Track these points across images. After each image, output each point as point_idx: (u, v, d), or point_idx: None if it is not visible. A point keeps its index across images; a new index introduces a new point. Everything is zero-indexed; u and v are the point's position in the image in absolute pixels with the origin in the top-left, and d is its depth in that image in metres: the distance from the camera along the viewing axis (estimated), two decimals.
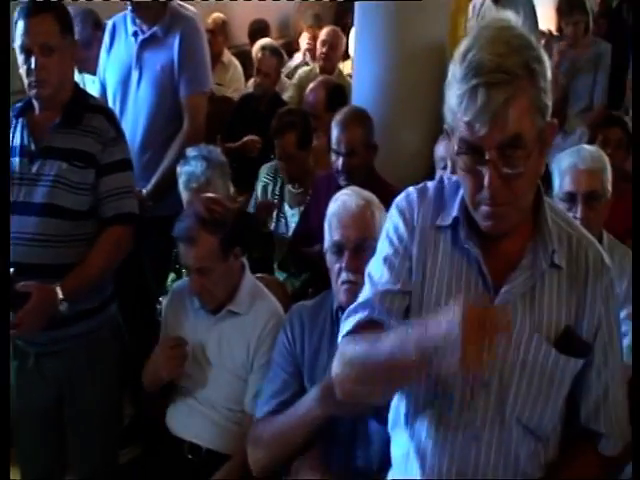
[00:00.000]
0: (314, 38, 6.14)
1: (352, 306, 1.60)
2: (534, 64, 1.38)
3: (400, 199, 1.64)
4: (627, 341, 2.65)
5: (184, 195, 3.04)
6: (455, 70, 1.39)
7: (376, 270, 1.60)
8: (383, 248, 1.61)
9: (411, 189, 1.64)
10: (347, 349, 1.54)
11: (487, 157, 1.37)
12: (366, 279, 1.62)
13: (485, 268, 1.51)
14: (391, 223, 1.62)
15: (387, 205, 2.18)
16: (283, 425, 2.07)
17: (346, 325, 1.58)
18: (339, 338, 1.59)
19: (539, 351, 1.50)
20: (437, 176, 1.60)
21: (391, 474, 1.71)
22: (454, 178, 1.60)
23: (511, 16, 1.45)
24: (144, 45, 3.38)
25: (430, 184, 1.64)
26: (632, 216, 2.02)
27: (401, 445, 1.62)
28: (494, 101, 1.33)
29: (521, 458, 1.53)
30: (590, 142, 3.48)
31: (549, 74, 1.42)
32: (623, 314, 2.68)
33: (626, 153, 3.60)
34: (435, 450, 1.53)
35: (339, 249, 2.10)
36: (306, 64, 6.12)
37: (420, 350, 1.34)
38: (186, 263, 2.55)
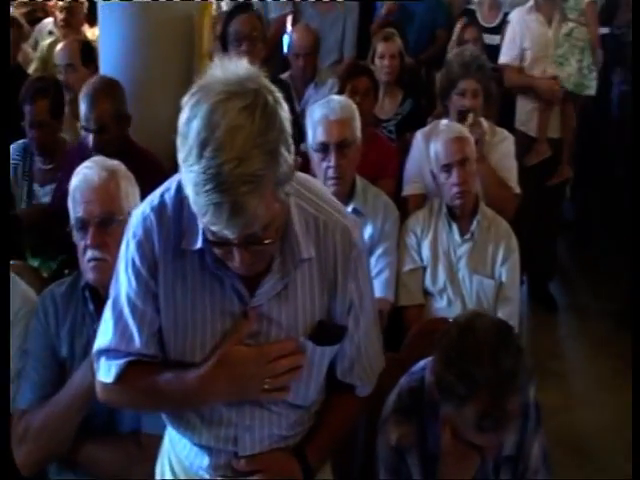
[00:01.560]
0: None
1: (103, 345, 1.55)
2: (275, 144, 1.28)
3: (136, 225, 1.50)
4: (384, 276, 2.85)
5: None
6: (192, 160, 1.25)
7: (120, 307, 1.53)
8: (124, 283, 1.52)
9: (147, 210, 1.49)
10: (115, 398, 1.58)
11: (235, 242, 1.32)
12: (110, 312, 1.55)
13: (240, 286, 1.48)
14: (129, 256, 1.50)
15: (146, 173, 2.14)
16: (55, 408, 1.96)
17: (104, 369, 1.55)
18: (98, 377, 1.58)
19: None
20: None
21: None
22: None
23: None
24: None
25: (168, 199, 1.49)
26: (632, 214, 2.08)
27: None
28: (241, 213, 1.25)
29: (283, 428, 1.60)
30: (340, 92, 3.60)
31: (287, 120, 1.31)
32: (380, 250, 2.88)
33: (374, 100, 3.77)
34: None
35: (83, 225, 1.99)
36: (50, 33, 5.78)
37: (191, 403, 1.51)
38: None
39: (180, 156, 1.28)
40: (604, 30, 5.29)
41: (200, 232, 1.42)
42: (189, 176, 1.26)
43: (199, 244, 1.44)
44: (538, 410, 1.96)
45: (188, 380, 1.48)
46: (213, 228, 1.29)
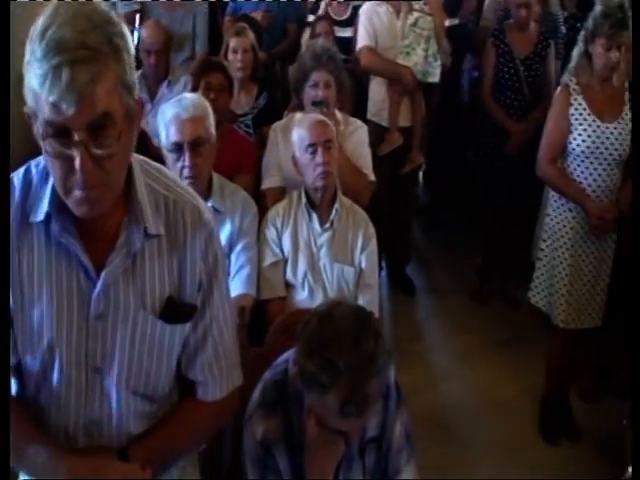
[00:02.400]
0: None
1: None
2: (117, 40, 1.33)
3: None
4: (245, 272, 2.87)
5: None
6: (35, 49, 1.28)
7: None
8: None
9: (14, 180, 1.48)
10: None
11: (76, 138, 1.30)
12: None
13: (85, 259, 1.46)
14: None
15: None
16: None
17: None
18: None
19: (146, 326, 1.51)
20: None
21: None
22: (42, 164, 1.48)
23: None
24: None
25: (15, 177, 1.49)
26: (632, 212, 2.10)
27: None
28: (80, 79, 1.26)
29: (131, 420, 1.57)
30: (194, 89, 3.57)
31: (132, 50, 1.38)
32: (239, 247, 2.90)
33: (229, 95, 3.75)
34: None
35: None
36: None
37: None
38: None
39: (26, 59, 1.31)
40: (454, 21, 5.55)
41: (47, 197, 1.43)
42: (32, 66, 1.29)
43: (45, 208, 1.43)
44: (399, 391, 2.03)
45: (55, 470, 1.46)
46: (51, 99, 1.27)
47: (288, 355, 1.96)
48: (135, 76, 1.40)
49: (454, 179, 5.85)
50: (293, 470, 1.89)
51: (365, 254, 3.00)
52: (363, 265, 2.99)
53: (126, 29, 1.38)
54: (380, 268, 4.48)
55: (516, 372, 4.10)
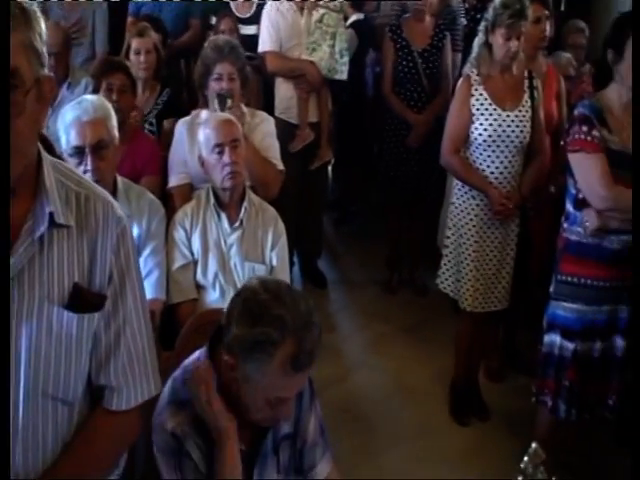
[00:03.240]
0: None
1: None
2: (30, 12, 1.36)
3: None
4: (155, 276, 2.86)
5: None
6: None
7: None
8: None
9: None
10: None
11: None
12: None
13: None
14: None
15: None
16: None
17: None
18: None
19: (52, 316, 1.47)
20: None
21: None
22: None
23: None
24: None
25: None
26: (632, 211, 2.11)
27: None
28: None
29: (49, 427, 1.51)
30: (95, 91, 3.51)
31: (44, 28, 1.39)
32: (147, 251, 2.88)
33: (132, 96, 3.70)
34: None
35: None
36: None
37: None
38: None
39: None
40: (360, 15, 5.63)
41: None
42: None
43: None
44: (312, 386, 2.07)
45: None
46: None
47: (199, 354, 1.96)
48: (45, 52, 1.41)
49: (362, 172, 5.95)
50: (207, 461, 1.88)
51: (275, 251, 3.03)
52: (274, 262, 3.01)
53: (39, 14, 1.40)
54: (291, 263, 4.53)
55: (426, 357, 4.22)
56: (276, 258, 3.02)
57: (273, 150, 3.51)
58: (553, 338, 3.08)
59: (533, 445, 1.51)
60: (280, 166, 3.48)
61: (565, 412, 3.08)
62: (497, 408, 3.82)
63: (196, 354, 1.99)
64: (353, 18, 5.58)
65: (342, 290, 5.07)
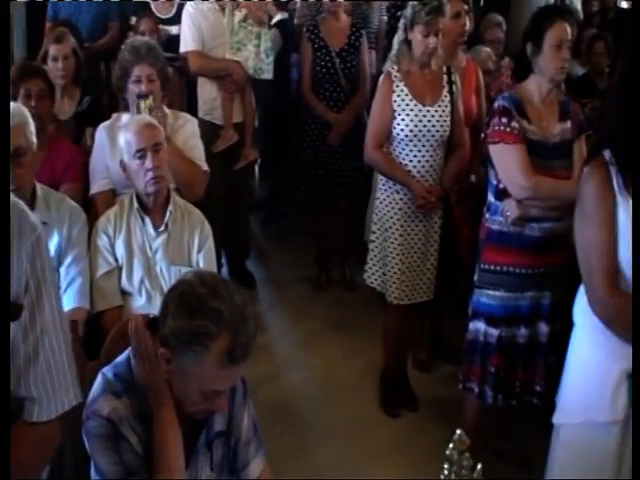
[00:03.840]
0: None
1: None
2: None
3: None
4: (77, 284, 2.80)
5: None
6: None
7: None
8: None
9: None
10: None
11: None
12: None
13: None
14: None
15: None
16: None
17: None
18: None
19: None
20: None
21: None
22: None
23: None
24: None
25: None
26: (632, 215, 2.09)
27: None
28: None
29: None
30: (13, 97, 3.43)
31: None
32: (69, 259, 2.82)
33: (50, 102, 3.64)
34: None
35: None
36: None
37: None
38: None
39: None
40: (284, 14, 5.66)
41: None
42: None
43: None
44: (245, 384, 2.08)
45: None
46: None
47: (128, 352, 1.96)
48: None
49: (289, 171, 5.97)
50: (144, 446, 1.87)
51: (202, 254, 3.01)
52: (201, 265, 2.99)
53: None
54: (219, 265, 4.51)
55: (356, 352, 4.27)
56: (203, 260, 3.00)
57: (197, 151, 3.49)
58: (478, 325, 3.16)
59: (457, 432, 1.53)
60: (205, 167, 3.47)
61: (492, 398, 3.17)
62: (426, 397, 3.90)
63: (124, 353, 1.98)
64: (278, 17, 5.60)
65: (271, 289, 5.08)
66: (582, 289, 2.37)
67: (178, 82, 4.68)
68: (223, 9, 4.49)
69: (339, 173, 4.79)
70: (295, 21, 5.64)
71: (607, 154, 2.25)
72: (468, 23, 3.94)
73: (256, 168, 5.99)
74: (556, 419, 2.48)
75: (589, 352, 2.37)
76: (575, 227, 2.35)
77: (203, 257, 3.01)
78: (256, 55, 4.55)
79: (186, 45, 4.51)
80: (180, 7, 4.90)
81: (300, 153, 4.93)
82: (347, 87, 4.72)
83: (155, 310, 2.26)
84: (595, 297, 2.27)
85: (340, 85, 4.72)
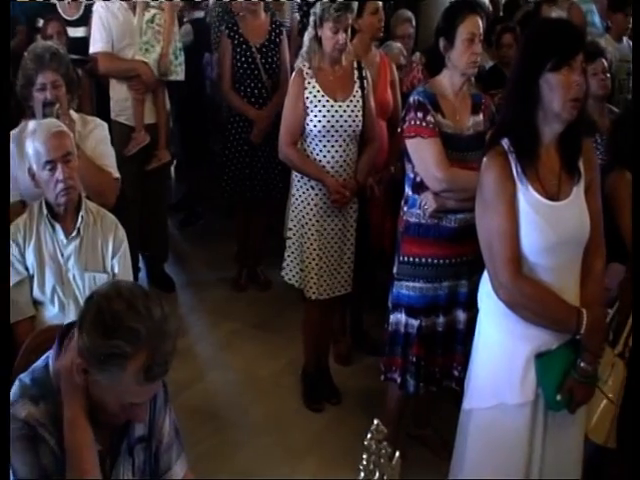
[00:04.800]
0: None
1: None
2: None
3: None
4: None
5: None
6: None
7: None
8: None
9: None
10: None
11: None
12: None
13: None
14: None
15: None
16: None
17: None
18: None
19: None
20: None
21: None
22: None
23: None
24: None
25: None
26: (632, 217, 2.02)
27: None
28: None
29: None
30: None
31: None
32: None
33: None
34: None
35: None
36: None
37: None
38: None
39: None
40: (199, 13, 5.63)
41: None
42: None
43: None
44: (165, 388, 2.05)
45: None
46: None
47: (46, 357, 1.92)
48: None
49: (205, 172, 5.92)
50: (62, 450, 1.83)
51: (117, 259, 2.94)
52: (116, 270, 2.93)
53: None
54: (137, 269, 4.44)
55: (277, 350, 4.28)
56: (118, 266, 2.94)
57: (107, 157, 3.41)
58: (398, 317, 3.21)
59: (375, 422, 1.56)
60: (116, 174, 3.39)
61: (414, 387, 3.23)
62: (348, 390, 3.94)
63: (42, 359, 1.93)
64: (195, 15, 5.60)
65: (191, 292, 5.03)
66: (485, 276, 2.46)
67: (88, 84, 4.58)
68: (133, 8, 4.41)
69: (262, 171, 4.78)
70: (207, 19, 5.61)
71: (505, 143, 2.32)
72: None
73: (172, 170, 5.91)
74: (467, 404, 2.55)
75: (495, 336, 2.45)
76: (477, 216, 2.42)
77: (118, 262, 2.94)
78: (165, 56, 4.48)
79: (95, 46, 4.43)
80: (87, 8, 4.79)
81: (223, 153, 4.89)
82: (268, 83, 4.72)
83: (69, 319, 2.22)
84: (499, 282, 2.35)
85: (261, 81, 4.71)
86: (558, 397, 2.34)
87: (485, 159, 2.36)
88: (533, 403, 2.37)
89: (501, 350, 2.41)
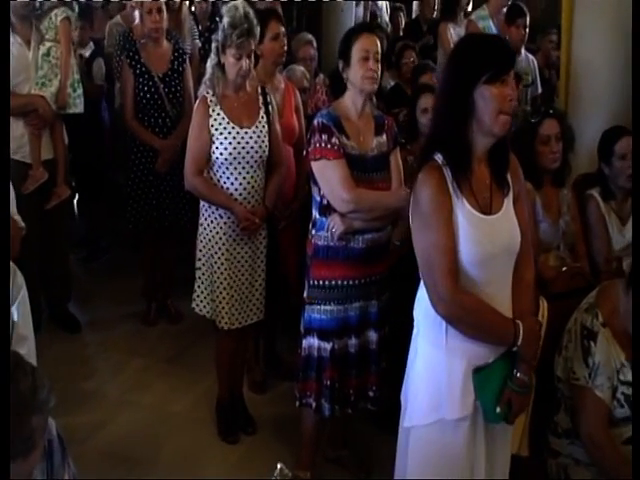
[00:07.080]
0: None
1: None
2: None
3: None
4: None
5: None
6: None
7: None
8: None
9: None
10: None
11: None
12: None
13: None
14: None
15: None
16: None
17: None
18: None
19: None
20: None
21: None
22: None
23: None
24: None
25: None
26: (632, 218, 1.89)
27: None
28: None
29: None
30: None
31: None
32: None
33: None
34: None
35: None
36: None
37: None
38: None
39: None
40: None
41: None
42: None
43: None
44: (62, 443, 1.93)
45: None
46: None
47: None
48: None
49: (108, 205, 5.77)
50: None
51: (16, 306, 2.77)
52: (15, 318, 2.75)
53: None
54: (40, 311, 4.27)
55: (190, 384, 4.18)
56: (17, 313, 2.76)
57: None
58: (311, 341, 3.19)
59: (278, 466, 1.52)
60: (20, 223, 3.22)
61: (329, 410, 3.20)
62: (264, 418, 3.87)
63: None
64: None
65: (98, 331, 4.83)
66: (421, 292, 2.43)
67: None
68: (28, 43, 4.29)
69: (167, 201, 4.70)
70: (106, 49, 5.52)
71: (439, 158, 2.32)
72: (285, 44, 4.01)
73: (74, 205, 5.75)
74: (407, 422, 2.50)
75: (433, 353, 2.42)
76: (413, 230, 2.39)
77: (17, 309, 2.75)
78: (63, 89, 4.37)
79: None
80: None
81: (127, 184, 4.78)
82: (173, 112, 4.65)
83: None
84: (437, 296, 2.32)
85: (165, 110, 4.64)
86: (497, 409, 2.35)
87: (420, 174, 2.33)
88: (472, 417, 2.37)
89: (440, 367, 2.38)
